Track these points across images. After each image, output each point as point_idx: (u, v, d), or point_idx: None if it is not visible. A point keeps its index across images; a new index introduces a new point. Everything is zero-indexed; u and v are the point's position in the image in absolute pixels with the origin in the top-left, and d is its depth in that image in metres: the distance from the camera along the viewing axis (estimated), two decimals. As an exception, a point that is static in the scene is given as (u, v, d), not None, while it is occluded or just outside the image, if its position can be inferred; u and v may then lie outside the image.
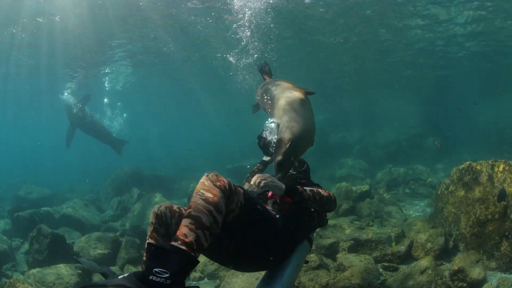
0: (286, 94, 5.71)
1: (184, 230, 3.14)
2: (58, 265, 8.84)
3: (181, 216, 4.07)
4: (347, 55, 21.04)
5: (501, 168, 7.82)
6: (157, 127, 64.72)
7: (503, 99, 33.02)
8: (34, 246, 10.51)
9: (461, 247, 8.21)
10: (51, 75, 22.92)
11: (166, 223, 4.12)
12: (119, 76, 25.46)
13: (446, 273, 7.05)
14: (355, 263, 7.39)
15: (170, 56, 19.98)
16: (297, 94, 5.62)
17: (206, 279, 8.89)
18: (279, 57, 18.67)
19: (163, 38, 17.03)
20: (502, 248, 7.32)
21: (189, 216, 3.25)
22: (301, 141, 5.12)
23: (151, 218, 4.14)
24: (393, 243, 9.16)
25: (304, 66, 23.15)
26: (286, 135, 5.02)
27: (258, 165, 6.46)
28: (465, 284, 6.69)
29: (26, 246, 11.82)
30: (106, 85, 26.98)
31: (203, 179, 3.65)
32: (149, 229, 4.13)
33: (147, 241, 4.04)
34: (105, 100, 30.26)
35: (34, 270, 8.88)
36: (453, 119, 27.90)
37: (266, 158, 6.41)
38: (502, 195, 7.71)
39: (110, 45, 17.89)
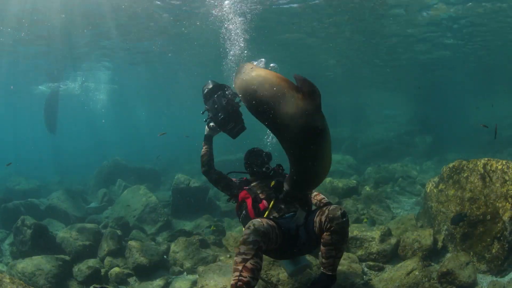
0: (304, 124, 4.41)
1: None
2: (39, 256, 8.72)
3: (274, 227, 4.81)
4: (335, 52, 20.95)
5: (493, 168, 7.55)
6: (144, 117, 64.65)
7: (496, 99, 33.06)
8: (18, 237, 10.49)
9: (450, 248, 7.94)
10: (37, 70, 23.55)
11: (270, 239, 4.65)
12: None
13: (434, 275, 6.78)
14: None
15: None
16: (317, 123, 4.46)
17: (185, 273, 8.75)
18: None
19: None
20: (493, 250, 7.04)
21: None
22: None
23: (253, 237, 4.42)
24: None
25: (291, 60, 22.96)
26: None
27: (204, 146, 6.25)
28: (454, 287, 6.41)
29: (11, 237, 11.63)
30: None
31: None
32: (250, 255, 4.36)
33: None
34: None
35: (16, 261, 8.84)
36: (445, 118, 27.88)
37: (207, 132, 6.24)
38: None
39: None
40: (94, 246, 10.12)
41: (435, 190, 8.93)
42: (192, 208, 13.30)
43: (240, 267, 4.26)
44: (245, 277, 4.22)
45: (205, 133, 6.22)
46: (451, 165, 8.58)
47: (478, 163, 7.84)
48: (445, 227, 8.18)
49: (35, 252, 9.49)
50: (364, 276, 7.15)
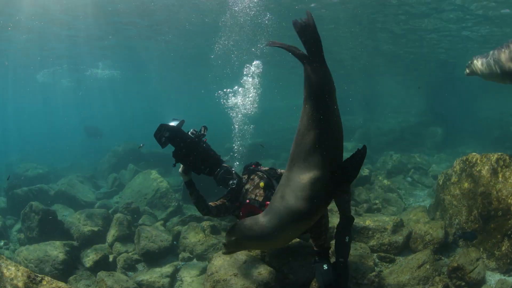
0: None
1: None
2: (46, 243, 8.75)
3: None
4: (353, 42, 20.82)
5: (506, 163, 7.45)
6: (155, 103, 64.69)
7: (508, 94, 32.65)
8: (26, 223, 10.53)
9: (461, 243, 7.89)
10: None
11: None
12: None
13: (444, 269, 6.75)
14: (350, 251, 7.06)
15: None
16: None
17: (195, 259, 8.78)
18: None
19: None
20: (503, 248, 6.99)
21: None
22: None
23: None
24: None
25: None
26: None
27: (193, 193, 6.54)
28: (463, 283, 6.39)
29: (20, 223, 11.67)
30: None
31: None
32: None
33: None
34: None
35: (22, 248, 8.86)
36: (457, 110, 27.59)
37: (186, 179, 6.46)
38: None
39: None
40: (103, 232, 10.15)
41: (447, 183, 8.84)
42: (203, 193, 13.27)
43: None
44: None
45: (184, 180, 6.46)
46: (464, 158, 8.47)
47: (491, 157, 7.74)
48: (457, 220, 8.13)
49: (42, 238, 9.48)
50: (376, 268, 7.13)
